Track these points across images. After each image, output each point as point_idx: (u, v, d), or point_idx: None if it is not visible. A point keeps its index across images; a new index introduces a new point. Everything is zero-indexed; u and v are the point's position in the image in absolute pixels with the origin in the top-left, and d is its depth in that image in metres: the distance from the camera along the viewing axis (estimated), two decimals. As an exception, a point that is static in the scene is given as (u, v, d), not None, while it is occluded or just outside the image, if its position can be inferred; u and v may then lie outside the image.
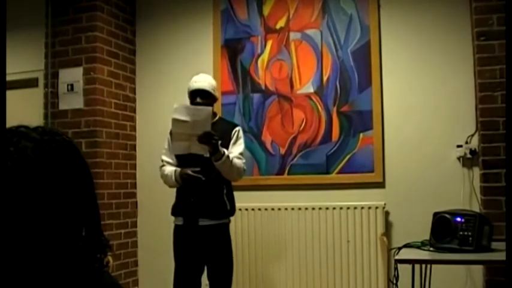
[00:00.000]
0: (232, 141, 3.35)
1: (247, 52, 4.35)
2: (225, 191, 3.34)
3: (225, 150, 3.22)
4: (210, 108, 3.19)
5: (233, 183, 3.44)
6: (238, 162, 3.29)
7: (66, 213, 0.87)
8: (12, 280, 0.83)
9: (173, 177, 3.31)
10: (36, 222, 0.83)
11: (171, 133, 3.37)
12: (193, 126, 3.11)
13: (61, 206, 0.86)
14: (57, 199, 0.86)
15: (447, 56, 3.93)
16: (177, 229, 3.38)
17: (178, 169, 3.30)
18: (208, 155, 3.17)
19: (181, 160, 3.34)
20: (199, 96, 3.29)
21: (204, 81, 3.34)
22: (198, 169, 3.23)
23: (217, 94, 3.42)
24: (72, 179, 0.89)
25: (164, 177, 3.39)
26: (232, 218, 3.45)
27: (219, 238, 3.32)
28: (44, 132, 0.89)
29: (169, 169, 3.35)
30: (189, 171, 3.24)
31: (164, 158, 3.43)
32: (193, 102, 3.31)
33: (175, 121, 3.18)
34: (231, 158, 3.23)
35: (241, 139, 3.40)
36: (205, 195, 3.29)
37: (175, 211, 3.39)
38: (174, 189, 3.42)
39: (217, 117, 3.46)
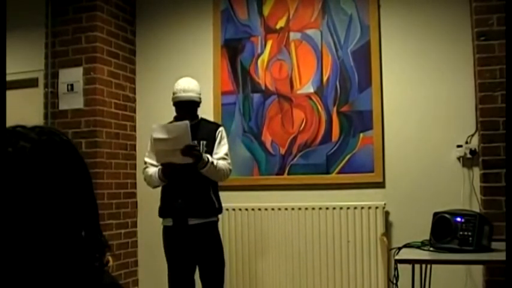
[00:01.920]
0: (217, 142, 3.42)
1: (247, 52, 4.35)
2: (211, 190, 3.39)
3: (209, 157, 3.28)
4: (186, 122, 3.20)
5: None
6: (224, 163, 3.37)
7: (65, 213, 0.87)
8: (12, 280, 0.83)
9: (157, 175, 3.35)
10: (35, 222, 0.83)
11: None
12: (174, 142, 3.17)
13: (60, 207, 0.86)
14: (56, 199, 0.86)
15: (447, 56, 3.93)
16: (167, 230, 3.42)
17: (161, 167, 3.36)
18: (191, 162, 3.21)
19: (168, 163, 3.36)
20: (186, 107, 3.38)
21: (192, 91, 3.41)
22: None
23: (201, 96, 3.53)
24: (71, 179, 0.89)
25: (148, 178, 3.43)
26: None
27: (209, 237, 3.37)
28: (41, 133, 0.89)
29: (153, 170, 3.40)
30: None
31: (147, 160, 3.47)
32: (179, 114, 3.39)
33: (156, 140, 3.27)
34: (215, 163, 3.29)
35: (225, 139, 3.48)
36: (192, 194, 3.34)
37: (163, 212, 3.43)
38: None
39: (198, 118, 3.49)
